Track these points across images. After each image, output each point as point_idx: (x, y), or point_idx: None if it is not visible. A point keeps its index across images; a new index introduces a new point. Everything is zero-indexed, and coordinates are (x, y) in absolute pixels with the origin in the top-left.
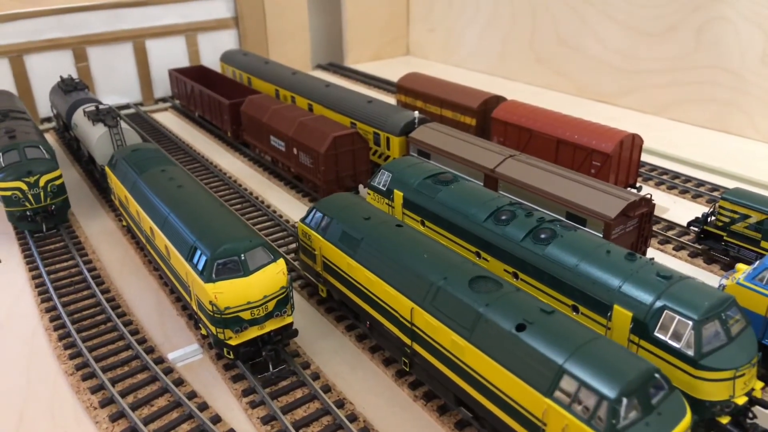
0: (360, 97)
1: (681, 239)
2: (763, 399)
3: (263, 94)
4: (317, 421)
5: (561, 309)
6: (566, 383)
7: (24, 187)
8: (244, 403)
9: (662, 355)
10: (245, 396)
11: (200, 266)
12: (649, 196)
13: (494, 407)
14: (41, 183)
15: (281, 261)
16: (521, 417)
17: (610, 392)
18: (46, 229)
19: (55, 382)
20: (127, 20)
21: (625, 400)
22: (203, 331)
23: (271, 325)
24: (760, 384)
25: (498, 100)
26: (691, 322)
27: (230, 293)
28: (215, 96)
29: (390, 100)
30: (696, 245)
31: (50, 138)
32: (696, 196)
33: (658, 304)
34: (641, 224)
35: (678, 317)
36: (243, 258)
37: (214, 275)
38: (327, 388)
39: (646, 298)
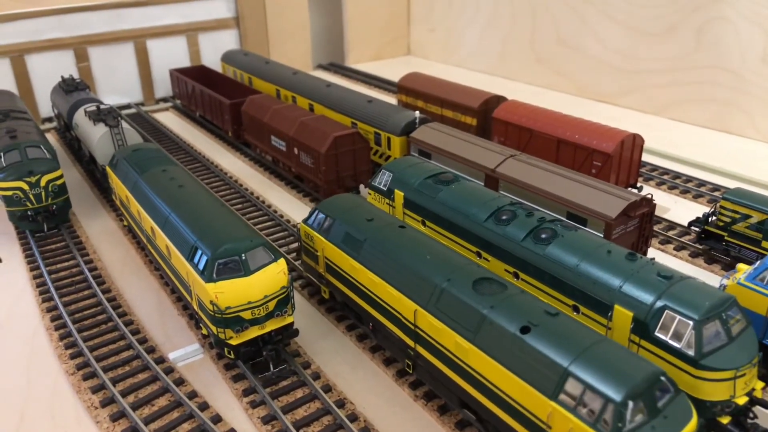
0: (361, 97)
1: (682, 239)
2: (764, 399)
3: (264, 94)
4: (318, 420)
5: (561, 309)
6: (571, 386)
7: (25, 186)
8: (245, 402)
9: (663, 355)
10: (246, 396)
11: (201, 266)
12: (649, 196)
13: (498, 410)
14: (42, 183)
15: (282, 261)
16: (526, 420)
17: (615, 395)
18: (47, 228)
19: (55, 382)
20: (128, 20)
21: (630, 403)
22: (204, 331)
23: (271, 325)
24: (760, 384)
25: (498, 100)
26: (691, 322)
27: (231, 293)
28: (216, 96)
29: (391, 100)
30: (697, 245)
31: (51, 138)
32: (697, 196)
33: (659, 304)
34: (642, 224)
35: (679, 317)
36: (244, 258)
37: (214, 275)
38: (327, 388)
39: (646, 298)
